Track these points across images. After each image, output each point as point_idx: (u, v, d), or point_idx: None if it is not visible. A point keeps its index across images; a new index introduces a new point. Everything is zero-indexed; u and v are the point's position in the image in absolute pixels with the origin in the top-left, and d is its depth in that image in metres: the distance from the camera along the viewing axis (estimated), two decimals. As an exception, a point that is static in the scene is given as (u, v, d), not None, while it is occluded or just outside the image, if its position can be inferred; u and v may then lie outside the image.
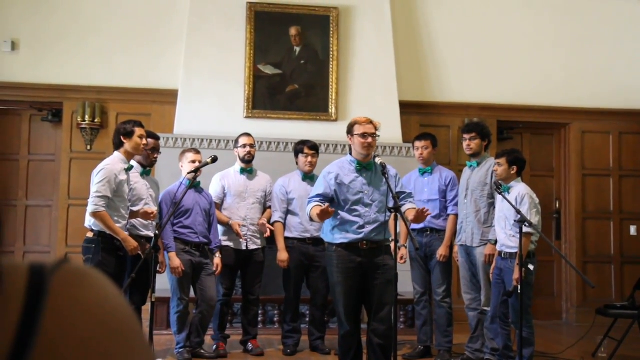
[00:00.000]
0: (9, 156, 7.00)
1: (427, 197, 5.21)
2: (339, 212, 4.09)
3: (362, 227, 4.06)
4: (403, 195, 4.21)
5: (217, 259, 4.99)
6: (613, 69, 7.64)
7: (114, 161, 4.30)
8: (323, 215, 3.85)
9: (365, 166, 4.13)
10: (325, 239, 4.24)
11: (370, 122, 4.15)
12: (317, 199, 4.07)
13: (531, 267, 4.46)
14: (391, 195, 3.87)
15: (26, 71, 6.81)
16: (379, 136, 4.20)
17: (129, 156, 4.41)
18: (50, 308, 0.51)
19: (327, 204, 3.89)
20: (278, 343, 5.48)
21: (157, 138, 4.88)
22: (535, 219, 4.50)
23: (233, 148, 5.47)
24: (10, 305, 0.50)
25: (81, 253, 4.31)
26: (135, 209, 4.52)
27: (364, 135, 4.09)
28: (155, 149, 4.80)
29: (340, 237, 4.08)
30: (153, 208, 4.61)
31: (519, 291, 4.21)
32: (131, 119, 4.56)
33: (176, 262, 4.73)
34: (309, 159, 5.25)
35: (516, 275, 4.35)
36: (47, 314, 0.51)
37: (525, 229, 4.20)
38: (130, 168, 4.43)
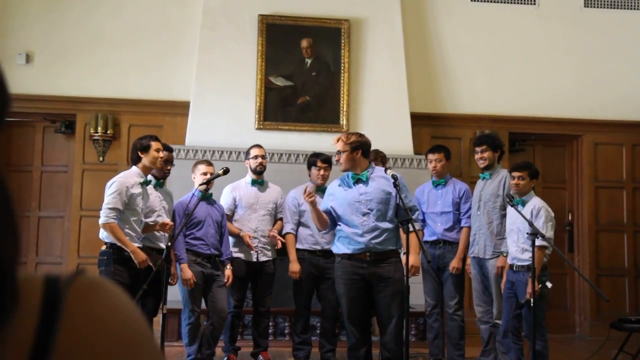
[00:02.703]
0: (22, 167, 7.05)
1: (441, 210, 5.20)
2: (340, 224, 4.24)
3: (361, 235, 4.12)
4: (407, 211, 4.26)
5: (228, 271, 4.99)
6: (626, 80, 7.60)
7: (129, 174, 4.32)
8: (313, 207, 4.14)
9: (360, 177, 4.24)
10: (333, 250, 4.38)
11: (339, 139, 4.30)
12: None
13: (549, 284, 4.41)
14: (403, 207, 3.90)
15: (40, 83, 6.87)
16: (350, 151, 4.25)
17: (147, 171, 4.43)
18: (66, 321, 0.51)
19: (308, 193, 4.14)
20: (289, 355, 5.46)
21: (170, 150, 4.89)
22: (550, 232, 4.47)
23: (244, 159, 5.48)
24: (26, 318, 0.50)
25: (95, 265, 4.33)
26: (147, 220, 4.53)
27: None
28: (169, 161, 4.82)
29: (343, 248, 4.20)
30: (168, 220, 4.61)
31: (532, 304, 4.17)
32: (147, 134, 4.59)
33: (188, 273, 4.73)
34: (322, 172, 5.24)
35: (530, 288, 4.32)
36: (63, 328, 0.51)
37: (539, 242, 4.17)
38: (148, 182, 4.45)
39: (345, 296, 4.17)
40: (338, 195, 4.26)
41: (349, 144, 4.24)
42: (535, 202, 4.61)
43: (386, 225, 4.13)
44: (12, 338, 0.49)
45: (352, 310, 4.16)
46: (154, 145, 4.39)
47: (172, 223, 4.55)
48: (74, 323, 0.51)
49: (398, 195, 3.98)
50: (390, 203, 4.15)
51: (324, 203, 4.37)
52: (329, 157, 5.37)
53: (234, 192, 5.28)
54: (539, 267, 4.32)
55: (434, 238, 5.20)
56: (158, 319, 4.35)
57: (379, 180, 4.21)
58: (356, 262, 4.13)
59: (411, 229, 3.91)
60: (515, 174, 4.70)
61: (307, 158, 5.49)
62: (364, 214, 4.15)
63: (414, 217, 4.13)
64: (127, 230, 4.25)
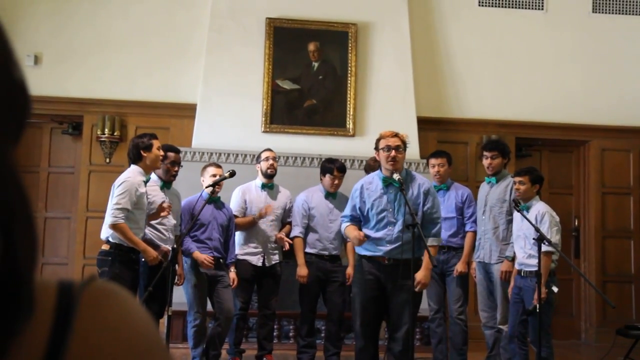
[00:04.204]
0: (29, 168, 7.07)
1: (444, 215, 5.13)
2: (363, 228, 4.17)
3: (383, 245, 4.08)
4: (427, 222, 4.16)
5: (233, 274, 4.99)
6: (634, 86, 7.57)
7: (134, 174, 4.31)
8: (359, 242, 4.03)
9: (392, 182, 4.07)
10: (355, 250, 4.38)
11: (396, 135, 4.09)
12: (348, 219, 4.24)
13: (555, 289, 4.39)
14: (408, 211, 3.85)
15: (47, 85, 6.89)
16: (405, 149, 4.12)
17: (148, 169, 4.42)
18: (78, 329, 0.51)
19: (362, 234, 4.03)
20: (293, 358, 5.45)
21: (177, 152, 4.87)
22: (555, 237, 4.46)
23: (255, 163, 5.47)
24: (39, 324, 0.50)
25: (96, 265, 4.31)
26: (153, 222, 4.53)
27: (387, 149, 4.03)
28: (176, 163, 4.80)
29: (363, 250, 4.15)
30: (167, 204, 4.57)
31: (538, 310, 4.16)
32: (145, 132, 4.56)
33: (201, 256, 4.75)
34: (336, 181, 5.21)
35: (537, 295, 4.30)
36: (75, 335, 0.51)
37: (545, 248, 4.16)
38: (148, 180, 4.45)
39: (359, 296, 4.11)
40: (367, 199, 4.14)
41: (404, 142, 4.10)
42: (539, 208, 4.59)
43: (408, 236, 4.00)
44: (25, 344, 0.49)
45: (365, 312, 4.08)
46: (155, 143, 4.40)
47: (170, 205, 4.50)
48: (86, 330, 0.51)
49: (405, 200, 3.90)
50: (417, 213, 4.04)
51: (351, 204, 4.25)
52: (345, 165, 5.35)
53: (245, 194, 5.28)
54: (546, 272, 4.31)
55: (437, 243, 5.18)
56: (163, 321, 4.36)
57: (412, 188, 4.11)
58: (374, 263, 4.09)
59: (429, 243, 3.95)
60: (516, 178, 4.71)
61: (322, 163, 5.44)
62: (390, 224, 4.07)
63: (434, 231, 4.16)
64: (135, 230, 4.24)
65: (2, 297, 0.48)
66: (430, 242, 4.06)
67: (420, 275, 4.06)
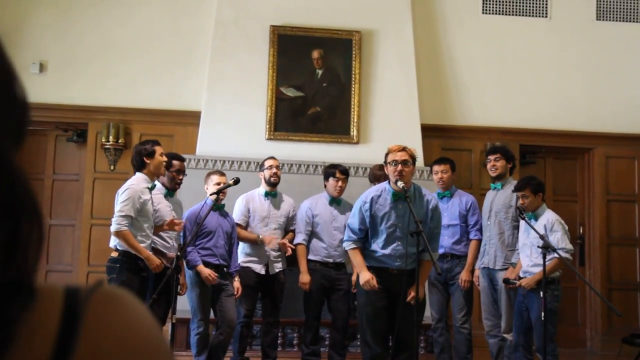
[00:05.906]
0: (34, 175, 7.08)
1: (447, 222, 5.14)
2: (369, 241, 4.13)
3: (392, 260, 4.09)
4: (429, 238, 4.03)
5: (237, 283, 4.98)
6: (637, 92, 7.56)
7: (138, 181, 4.33)
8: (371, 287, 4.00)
9: (401, 196, 4.06)
10: None
11: (403, 149, 4.10)
12: (356, 237, 4.13)
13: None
14: (413, 218, 3.84)
15: (53, 92, 6.92)
16: (413, 163, 4.12)
17: (152, 176, 4.44)
18: (85, 335, 0.51)
19: (374, 281, 4.01)
20: (297, 366, 5.44)
21: (182, 160, 4.89)
22: (569, 244, 4.49)
23: (258, 171, 5.47)
24: (45, 329, 0.50)
25: (105, 272, 4.33)
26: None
27: (394, 163, 4.05)
28: (181, 171, 4.82)
29: (370, 261, 4.12)
30: (178, 219, 4.63)
31: (543, 318, 4.15)
32: (148, 139, 4.60)
33: (206, 271, 4.73)
34: (340, 183, 5.21)
35: (526, 281, 4.36)
36: (82, 341, 0.51)
37: (562, 254, 4.21)
38: (153, 187, 4.46)
39: (370, 307, 4.07)
40: (377, 212, 4.10)
41: (413, 156, 4.09)
42: (548, 216, 4.59)
43: (414, 249, 4.02)
44: (32, 348, 0.49)
45: (376, 322, 4.06)
46: (158, 149, 4.42)
47: (182, 221, 4.56)
48: (93, 335, 0.51)
49: (409, 207, 3.89)
50: (408, 219, 4.02)
51: (355, 217, 4.17)
52: (347, 169, 5.35)
53: (248, 203, 5.28)
54: (551, 272, 4.35)
55: (441, 251, 5.13)
56: (167, 328, 4.35)
57: (419, 203, 4.09)
58: (381, 273, 4.08)
59: (427, 257, 3.92)
60: (519, 193, 4.68)
61: (324, 168, 5.46)
62: (399, 239, 4.07)
63: (434, 246, 4.10)
64: (140, 237, 4.25)
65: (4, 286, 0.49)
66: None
67: (422, 292, 4.13)
